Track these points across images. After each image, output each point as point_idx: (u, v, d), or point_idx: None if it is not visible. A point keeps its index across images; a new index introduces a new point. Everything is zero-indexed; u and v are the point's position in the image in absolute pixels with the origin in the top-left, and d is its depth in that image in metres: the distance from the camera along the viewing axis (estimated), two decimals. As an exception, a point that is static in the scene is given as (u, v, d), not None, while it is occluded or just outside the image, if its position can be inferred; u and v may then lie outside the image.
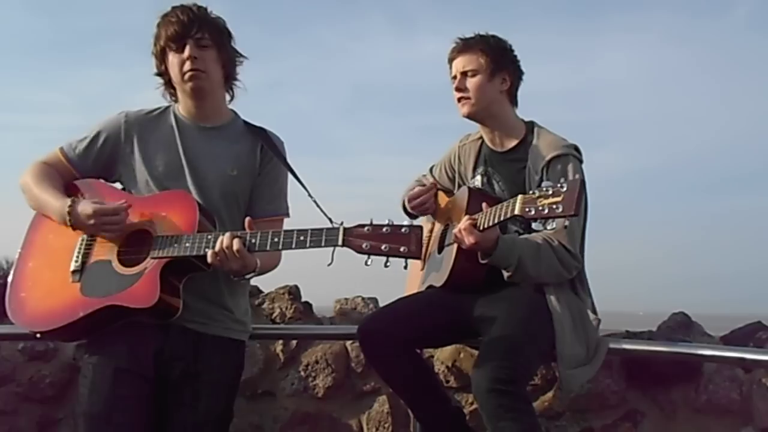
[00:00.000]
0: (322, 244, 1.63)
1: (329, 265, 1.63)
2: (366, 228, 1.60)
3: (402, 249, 1.57)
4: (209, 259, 1.68)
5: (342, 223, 1.63)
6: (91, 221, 1.76)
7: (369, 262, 1.59)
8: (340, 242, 1.60)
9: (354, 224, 1.61)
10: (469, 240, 1.83)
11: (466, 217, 1.86)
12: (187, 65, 1.83)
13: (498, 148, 2.14)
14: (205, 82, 1.86)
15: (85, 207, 1.77)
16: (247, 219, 1.74)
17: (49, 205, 1.84)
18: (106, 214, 1.76)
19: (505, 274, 1.93)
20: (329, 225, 1.65)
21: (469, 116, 2.12)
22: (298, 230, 1.66)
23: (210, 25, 1.87)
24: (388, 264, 1.59)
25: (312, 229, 1.65)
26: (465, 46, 2.12)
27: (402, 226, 1.59)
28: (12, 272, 1.91)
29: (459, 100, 2.11)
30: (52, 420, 2.76)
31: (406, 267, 1.63)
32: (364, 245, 1.58)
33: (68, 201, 1.80)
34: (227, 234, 1.68)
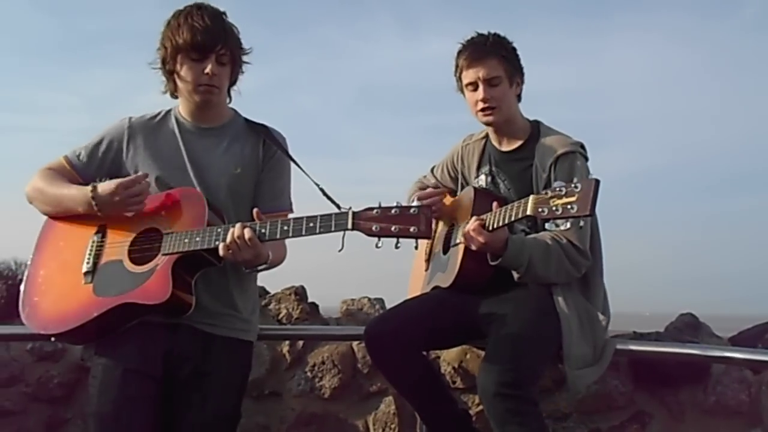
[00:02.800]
0: (332, 228, 1.62)
1: (340, 250, 1.62)
2: (375, 210, 1.59)
3: (412, 229, 1.56)
4: (221, 252, 1.68)
5: (351, 208, 1.62)
6: (116, 198, 1.77)
7: (380, 245, 1.59)
8: (349, 226, 1.59)
9: (363, 208, 1.61)
10: (478, 241, 1.81)
11: (474, 217, 1.83)
12: (205, 79, 1.82)
13: (503, 148, 2.13)
14: (215, 97, 1.88)
15: (106, 185, 1.79)
16: (255, 210, 1.73)
17: (71, 197, 1.85)
18: (129, 186, 1.77)
19: (515, 275, 1.92)
20: (338, 211, 1.65)
21: (494, 124, 2.08)
22: (308, 217, 1.66)
23: (232, 40, 1.86)
24: (398, 245, 1.59)
25: (321, 215, 1.64)
26: (485, 51, 2.04)
27: (411, 206, 1.59)
28: (24, 279, 1.93)
29: (483, 110, 2.04)
30: (60, 420, 2.78)
31: (416, 247, 1.62)
32: (374, 227, 1.57)
33: (89, 186, 1.82)
34: (238, 224, 1.68)
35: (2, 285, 2.91)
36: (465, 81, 2.08)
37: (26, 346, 2.77)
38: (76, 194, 1.84)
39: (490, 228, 1.80)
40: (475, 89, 2.05)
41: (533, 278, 1.92)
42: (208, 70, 1.81)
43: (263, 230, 1.69)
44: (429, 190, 2.25)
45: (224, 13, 1.86)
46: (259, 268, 1.79)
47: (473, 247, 1.84)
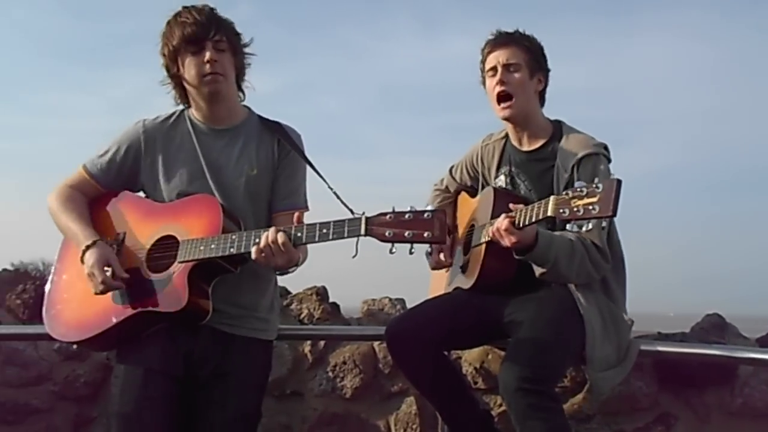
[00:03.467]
0: (345, 235, 1.61)
1: (354, 256, 1.61)
2: (388, 216, 1.57)
3: (426, 234, 1.54)
4: (254, 255, 1.67)
5: (364, 213, 1.61)
6: (87, 265, 1.79)
7: (393, 250, 1.57)
8: (362, 232, 1.58)
9: (376, 213, 1.59)
10: (509, 239, 1.77)
11: (504, 215, 1.79)
12: (207, 68, 1.82)
13: (524, 148, 2.11)
14: (222, 85, 1.87)
15: (93, 255, 1.80)
16: (296, 214, 1.73)
17: (73, 235, 1.89)
18: (103, 268, 1.77)
19: (538, 271, 1.89)
20: (351, 216, 1.64)
21: (511, 118, 2.07)
22: (321, 223, 1.65)
23: (226, 27, 1.87)
24: (412, 251, 1.57)
25: (334, 221, 1.63)
26: (508, 39, 2.06)
27: (424, 211, 1.57)
28: (47, 286, 1.98)
29: (500, 96, 2.03)
30: (87, 418, 2.82)
31: (430, 252, 1.61)
32: (387, 233, 1.56)
33: (89, 240, 1.83)
34: (272, 229, 1.68)
35: (30, 285, 2.97)
36: (486, 67, 2.08)
37: (54, 345, 2.82)
38: (77, 236, 1.87)
39: (520, 225, 1.76)
40: (494, 74, 2.05)
41: (555, 276, 1.89)
42: (207, 57, 1.82)
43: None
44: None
45: (213, 9, 1.88)
46: (290, 270, 1.79)
47: (506, 244, 1.79)
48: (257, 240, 1.69)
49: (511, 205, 1.80)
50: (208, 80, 1.84)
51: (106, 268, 1.77)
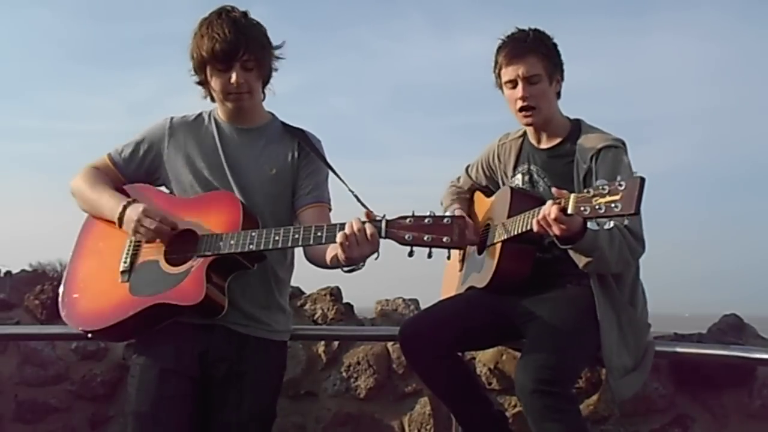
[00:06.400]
0: None
1: (376, 258, 1.63)
2: (408, 219, 1.59)
3: (445, 239, 1.56)
4: (338, 239, 1.64)
5: (384, 216, 1.62)
6: (134, 217, 1.81)
7: (412, 253, 1.59)
8: (382, 234, 1.60)
9: (396, 216, 1.61)
10: (559, 228, 1.69)
11: (550, 202, 1.71)
12: (233, 88, 1.84)
13: (543, 145, 2.09)
14: (246, 102, 1.90)
15: (136, 206, 1.83)
16: (366, 211, 1.69)
17: (105, 205, 1.90)
18: (150, 216, 1.80)
19: (582, 262, 1.82)
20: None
21: (533, 125, 2.04)
22: (341, 224, 1.66)
23: (255, 45, 1.84)
24: (431, 255, 1.58)
25: None
26: (524, 49, 2.00)
27: (444, 216, 1.58)
28: (65, 275, 1.99)
29: (523, 109, 2.00)
30: (103, 417, 2.85)
31: (449, 257, 1.62)
32: (406, 236, 1.58)
33: (124, 202, 1.86)
34: (355, 219, 1.65)
35: (48, 286, 3.01)
36: (504, 78, 2.04)
37: (71, 345, 2.85)
38: (110, 204, 1.89)
39: (569, 212, 1.66)
40: (515, 87, 2.02)
41: (600, 266, 1.82)
42: (233, 80, 1.82)
43: (296, 236, 1.70)
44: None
45: (245, 14, 1.85)
46: (361, 265, 1.74)
47: (555, 233, 1.71)
48: (276, 237, 1.71)
49: (555, 191, 1.71)
50: (233, 98, 1.87)
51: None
